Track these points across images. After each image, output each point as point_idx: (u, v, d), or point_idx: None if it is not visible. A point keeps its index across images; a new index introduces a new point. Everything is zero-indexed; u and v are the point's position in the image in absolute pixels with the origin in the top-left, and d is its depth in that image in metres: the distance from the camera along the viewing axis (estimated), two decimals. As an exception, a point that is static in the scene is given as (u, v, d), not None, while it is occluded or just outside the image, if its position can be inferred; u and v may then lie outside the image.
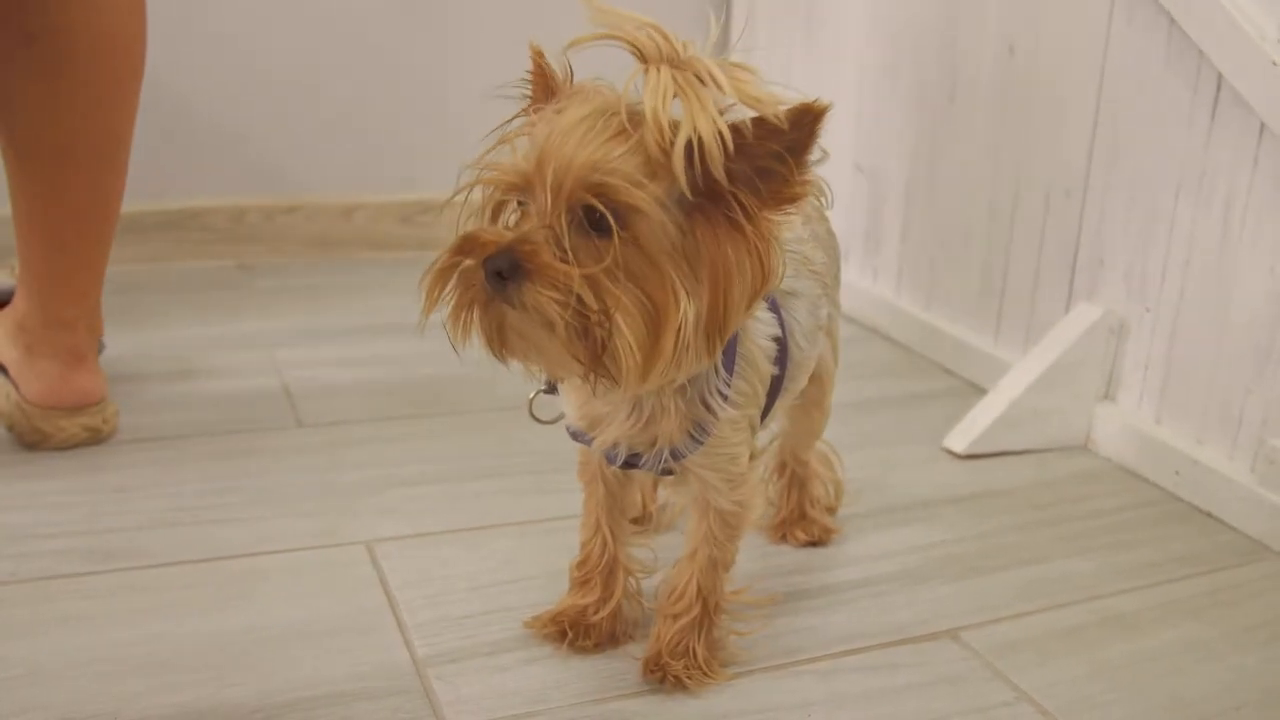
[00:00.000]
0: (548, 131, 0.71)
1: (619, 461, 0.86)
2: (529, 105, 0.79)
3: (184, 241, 1.94)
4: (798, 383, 0.94)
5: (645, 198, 0.69)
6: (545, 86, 0.79)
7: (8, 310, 1.26)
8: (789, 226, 0.85)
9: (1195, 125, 1.25)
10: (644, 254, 0.70)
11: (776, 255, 0.74)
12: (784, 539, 1.14)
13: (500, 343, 0.75)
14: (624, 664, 0.93)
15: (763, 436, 0.97)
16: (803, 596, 1.05)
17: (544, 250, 0.70)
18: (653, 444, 0.83)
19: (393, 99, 2.01)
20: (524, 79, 0.80)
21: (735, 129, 0.68)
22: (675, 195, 0.70)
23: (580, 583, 0.95)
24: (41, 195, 1.16)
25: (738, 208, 0.71)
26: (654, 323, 0.71)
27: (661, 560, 0.99)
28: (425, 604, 1.00)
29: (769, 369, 0.85)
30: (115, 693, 0.86)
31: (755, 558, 1.10)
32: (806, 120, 0.69)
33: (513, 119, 0.78)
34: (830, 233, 1.01)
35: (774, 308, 0.86)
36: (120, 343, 1.51)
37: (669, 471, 0.87)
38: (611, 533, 0.94)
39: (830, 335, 1.04)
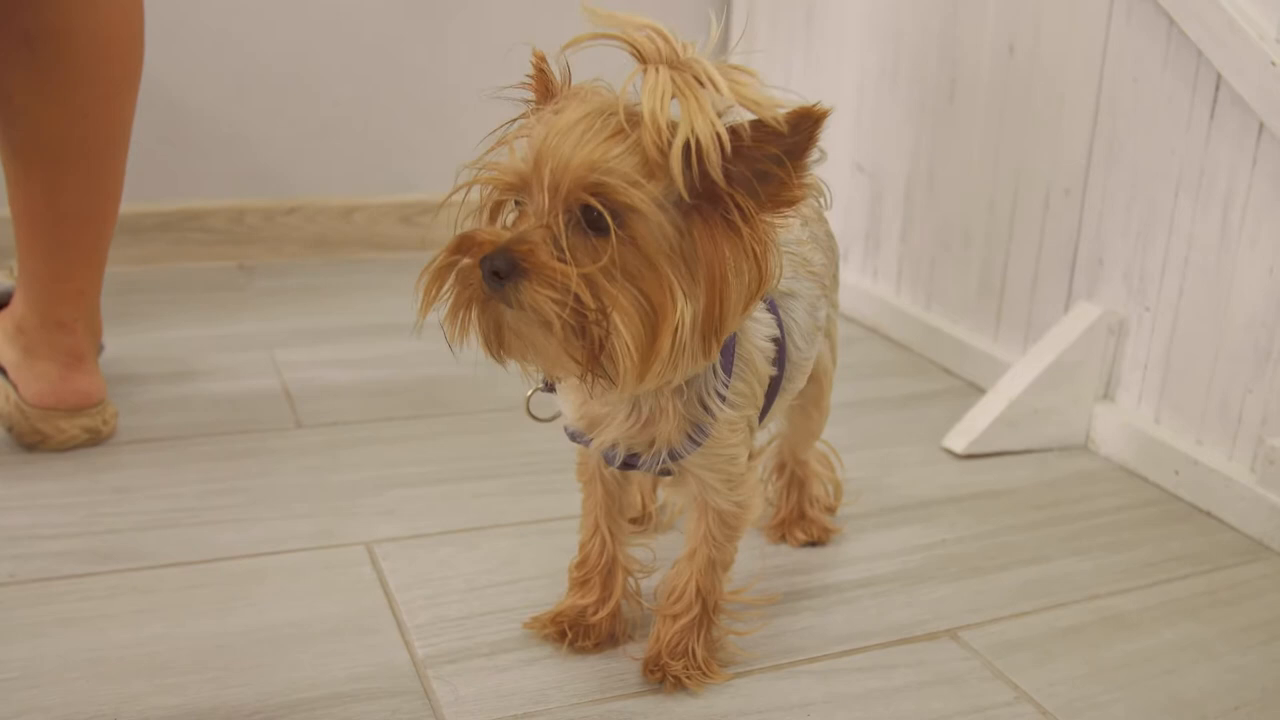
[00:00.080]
0: (545, 131, 0.71)
1: (617, 462, 0.86)
2: (529, 109, 0.79)
3: (183, 242, 1.94)
4: (796, 383, 0.94)
5: (643, 198, 0.69)
6: (546, 89, 0.79)
7: (7, 311, 1.26)
8: (787, 228, 0.85)
9: (1194, 125, 1.25)
10: (641, 254, 0.70)
11: (774, 257, 0.74)
12: (783, 539, 1.14)
13: (498, 342, 0.75)
14: (623, 664, 0.93)
15: (761, 436, 0.97)
16: (802, 596, 1.05)
17: (541, 250, 0.70)
18: (651, 445, 0.83)
19: (393, 99, 2.01)
20: (524, 81, 0.80)
21: (734, 131, 0.68)
22: (673, 196, 0.70)
23: (579, 583, 0.95)
24: (40, 196, 1.16)
25: (735, 210, 0.71)
26: (651, 323, 0.71)
27: (660, 560, 1.00)
28: (425, 605, 1.00)
29: (767, 370, 0.85)
30: (115, 694, 0.86)
31: (754, 558, 1.10)
32: (806, 124, 0.69)
33: (513, 121, 0.78)
34: (829, 234, 1.01)
35: (772, 308, 0.86)
36: (120, 344, 1.51)
37: (667, 472, 0.87)
38: (610, 533, 0.94)
39: (829, 336, 1.05)
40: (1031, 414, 1.38)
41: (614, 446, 0.84)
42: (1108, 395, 1.41)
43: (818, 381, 1.05)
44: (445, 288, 0.74)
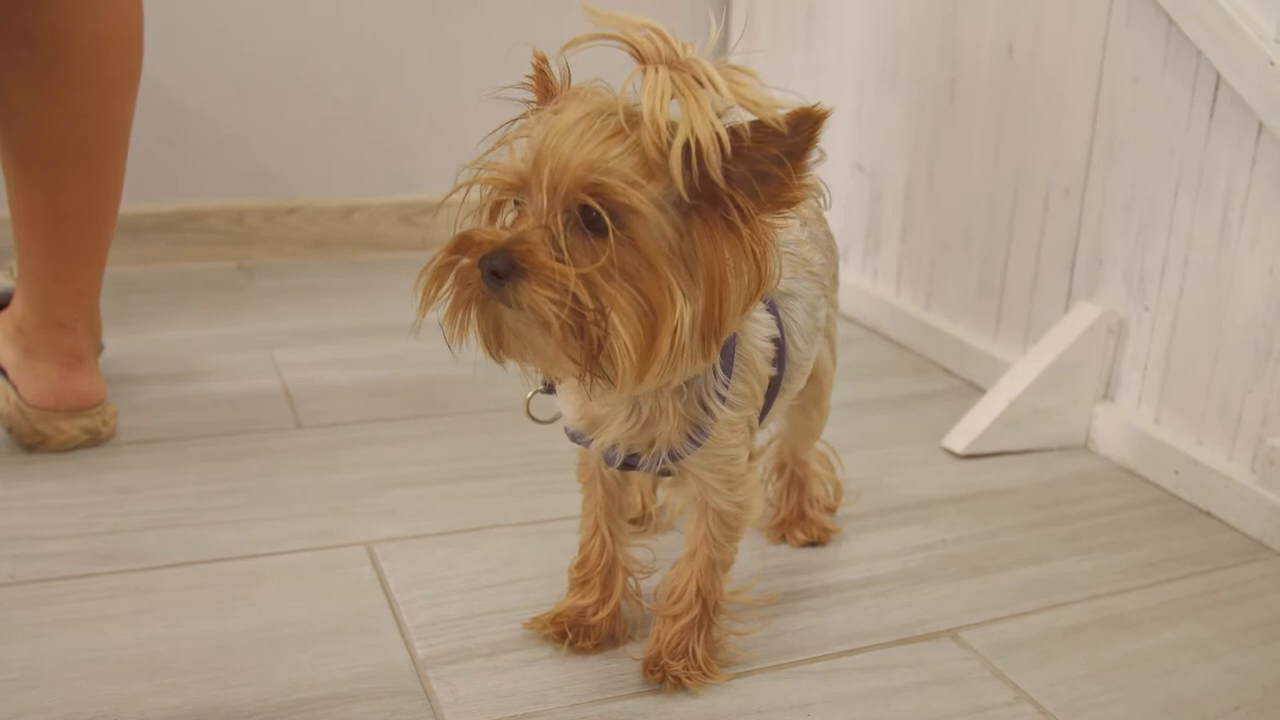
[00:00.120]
0: (545, 132, 0.71)
1: (618, 463, 0.86)
2: (530, 109, 0.79)
3: (183, 243, 1.94)
4: (796, 384, 0.94)
5: (641, 198, 0.69)
6: (546, 90, 0.79)
7: (7, 312, 1.26)
8: (787, 228, 0.85)
9: (1194, 125, 1.25)
10: (640, 254, 0.70)
11: (774, 258, 0.74)
12: (783, 539, 1.14)
13: (497, 342, 0.75)
14: (623, 664, 0.93)
15: (761, 437, 0.97)
16: (802, 596, 1.05)
17: (540, 250, 0.70)
18: (651, 445, 0.83)
19: (393, 99, 2.01)
20: (524, 82, 0.80)
21: (733, 132, 0.68)
22: (672, 197, 0.70)
23: (579, 583, 0.95)
24: (39, 196, 1.16)
25: (735, 210, 0.71)
26: (650, 323, 0.71)
27: (660, 561, 1.00)
28: (425, 605, 1.00)
29: (767, 370, 0.85)
30: (115, 694, 0.86)
31: (754, 558, 1.11)
32: (806, 125, 0.69)
33: (513, 121, 0.78)
34: (828, 234, 1.01)
35: (772, 309, 0.86)
36: (119, 344, 1.51)
37: (667, 472, 0.87)
38: (610, 533, 0.94)
39: (828, 336, 1.05)
40: (1031, 414, 1.38)
41: (614, 447, 0.84)
42: (1108, 395, 1.41)
43: (817, 382, 1.05)
44: (444, 288, 0.74)
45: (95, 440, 1.25)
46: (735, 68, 0.69)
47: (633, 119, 0.70)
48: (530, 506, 1.18)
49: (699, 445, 0.83)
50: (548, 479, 1.24)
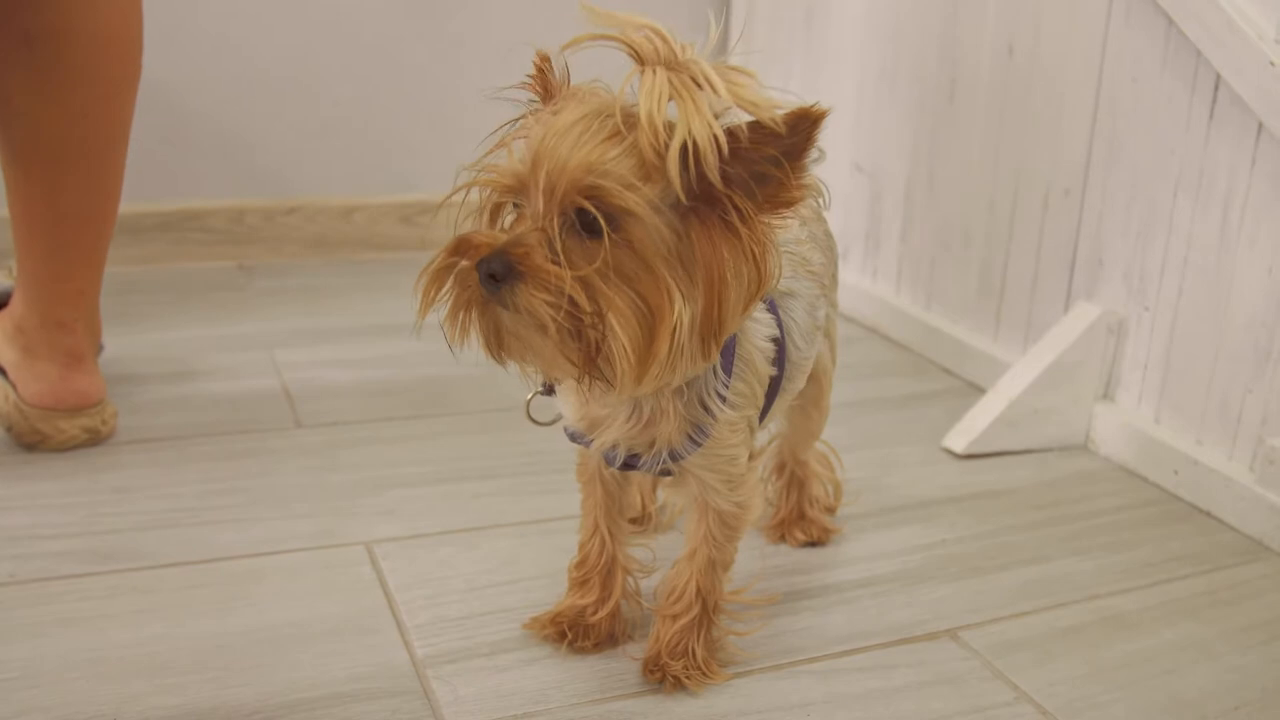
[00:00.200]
0: (543, 133, 0.71)
1: (618, 463, 0.86)
2: (530, 109, 0.79)
3: (183, 242, 1.94)
4: (796, 383, 0.94)
5: (638, 200, 0.69)
6: (546, 90, 0.79)
7: (6, 312, 1.26)
8: (786, 228, 0.85)
9: (1193, 125, 1.25)
10: (637, 256, 0.70)
11: (773, 258, 0.74)
12: (783, 539, 1.14)
13: (497, 344, 0.75)
14: (623, 664, 0.93)
15: (761, 436, 0.97)
16: (802, 596, 1.05)
17: (536, 252, 0.70)
18: (651, 445, 0.83)
19: (393, 99, 2.01)
20: (525, 82, 0.80)
21: (731, 133, 0.68)
22: (670, 198, 0.70)
23: (579, 583, 0.95)
24: (39, 196, 1.16)
25: (734, 211, 0.71)
26: (648, 325, 0.71)
27: (660, 560, 1.00)
28: (424, 605, 1.00)
29: (767, 370, 0.85)
30: (115, 694, 0.86)
31: (754, 558, 1.11)
32: (804, 125, 0.69)
33: (513, 122, 0.78)
34: (828, 234, 1.01)
35: (772, 308, 0.86)
36: (119, 344, 1.52)
37: (668, 472, 0.87)
38: (610, 533, 0.94)
39: (828, 336, 1.05)
40: (1031, 414, 1.38)
41: (614, 447, 0.84)
42: (1108, 395, 1.41)
43: (817, 381, 1.05)
44: (444, 290, 0.74)
45: (95, 440, 1.26)
46: (733, 68, 0.68)
47: (630, 120, 0.70)
48: (530, 506, 1.18)
49: (699, 445, 0.83)
50: (548, 479, 1.24)
